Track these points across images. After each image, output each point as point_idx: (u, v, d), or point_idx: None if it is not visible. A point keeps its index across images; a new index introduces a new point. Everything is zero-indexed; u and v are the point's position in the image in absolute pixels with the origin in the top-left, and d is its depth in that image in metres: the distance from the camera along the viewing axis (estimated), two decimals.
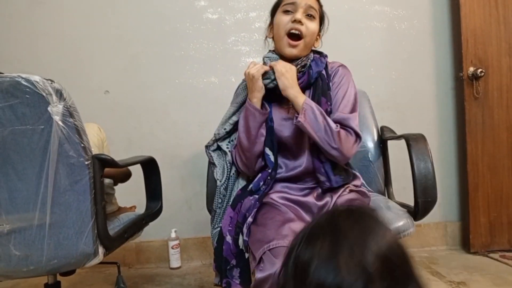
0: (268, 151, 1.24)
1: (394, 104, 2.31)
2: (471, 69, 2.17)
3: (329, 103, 1.19)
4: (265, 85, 1.20)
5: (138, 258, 2.21)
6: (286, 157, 1.25)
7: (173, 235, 2.12)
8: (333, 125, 1.12)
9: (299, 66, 1.21)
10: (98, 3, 2.19)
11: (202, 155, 1.96)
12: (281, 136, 1.22)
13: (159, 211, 1.57)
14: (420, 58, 2.31)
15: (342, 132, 1.14)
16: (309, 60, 1.24)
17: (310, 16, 1.21)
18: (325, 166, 1.18)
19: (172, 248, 2.11)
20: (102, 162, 1.19)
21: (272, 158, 1.23)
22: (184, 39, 2.22)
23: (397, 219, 1.23)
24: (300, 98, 1.14)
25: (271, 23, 1.29)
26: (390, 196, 1.52)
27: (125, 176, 1.60)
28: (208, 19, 2.23)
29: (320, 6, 1.27)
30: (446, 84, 2.32)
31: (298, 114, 1.13)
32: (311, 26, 1.21)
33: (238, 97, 1.31)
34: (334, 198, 1.18)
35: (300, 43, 1.20)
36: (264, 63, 1.24)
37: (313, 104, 1.13)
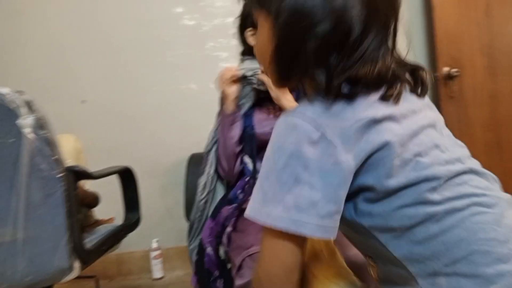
0: (247, 158, 1.24)
1: None
2: (446, 69, 2.21)
3: None
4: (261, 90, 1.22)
5: (120, 269, 2.16)
6: None
7: (154, 245, 2.09)
8: None
9: None
10: (75, 13, 2.15)
11: (182, 163, 1.94)
12: (262, 139, 1.22)
13: (137, 222, 1.55)
14: None
15: None
16: None
17: None
18: None
19: (154, 258, 2.08)
20: (76, 174, 1.16)
21: (250, 166, 1.23)
22: (161, 46, 2.19)
23: None
24: (293, 105, 1.16)
25: (254, 30, 1.29)
26: None
27: (92, 201, 1.52)
28: (185, 25, 2.21)
29: None
30: None
31: None
32: None
33: None
34: None
35: None
36: (247, 77, 1.24)
37: None
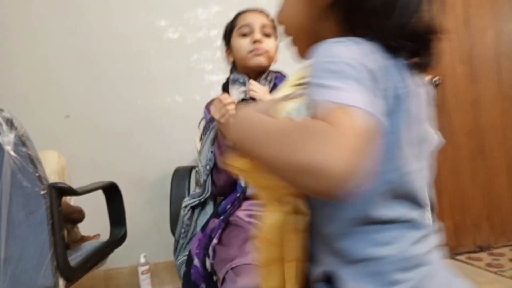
0: None
1: None
2: (428, 77, 2.25)
3: None
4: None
5: (108, 286, 2.13)
6: None
7: (142, 260, 2.06)
8: None
9: (270, 83, 1.27)
10: (57, 26, 2.14)
11: (169, 176, 1.94)
12: None
13: (124, 237, 1.53)
14: None
15: None
16: (273, 76, 1.30)
17: (267, 35, 1.28)
18: None
19: (142, 273, 2.05)
20: (60, 191, 1.15)
21: (242, 182, 1.23)
22: (145, 60, 2.20)
23: None
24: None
25: (228, 48, 1.35)
26: None
27: (78, 216, 1.50)
28: (169, 38, 2.22)
29: (272, 21, 1.31)
30: None
31: None
32: (270, 43, 1.28)
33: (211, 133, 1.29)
34: None
35: (264, 52, 1.26)
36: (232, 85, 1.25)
37: None
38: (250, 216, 1.18)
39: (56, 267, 1.12)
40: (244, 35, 1.26)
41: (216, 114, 1.16)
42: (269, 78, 1.28)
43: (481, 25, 2.33)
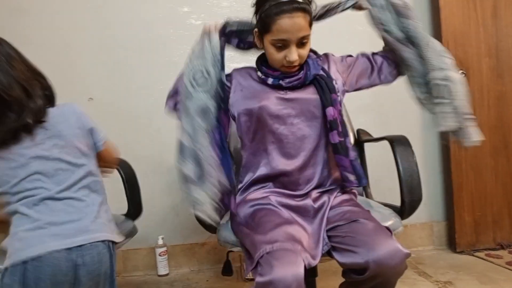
0: None
1: (377, 107, 2.33)
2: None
3: (339, 95, 1.26)
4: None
5: (125, 266, 2.18)
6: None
7: (160, 242, 2.10)
8: None
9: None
10: (81, 11, 2.17)
11: None
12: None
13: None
14: None
15: None
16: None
17: (303, 43, 1.16)
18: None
19: (159, 255, 2.09)
20: None
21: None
22: (168, 45, 2.21)
23: (386, 219, 1.23)
24: None
25: (260, 36, 1.23)
26: (368, 197, 1.53)
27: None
28: (191, 24, 2.23)
29: (310, 15, 1.17)
30: None
31: None
32: (304, 52, 1.18)
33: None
34: (331, 198, 1.19)
35: (297, 66, 1.20)
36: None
37: None
38: (281, 203, 1.18)
39: None
40: (279, 48, 1.15)
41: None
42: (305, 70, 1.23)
43: (509, 18, 2.27)
